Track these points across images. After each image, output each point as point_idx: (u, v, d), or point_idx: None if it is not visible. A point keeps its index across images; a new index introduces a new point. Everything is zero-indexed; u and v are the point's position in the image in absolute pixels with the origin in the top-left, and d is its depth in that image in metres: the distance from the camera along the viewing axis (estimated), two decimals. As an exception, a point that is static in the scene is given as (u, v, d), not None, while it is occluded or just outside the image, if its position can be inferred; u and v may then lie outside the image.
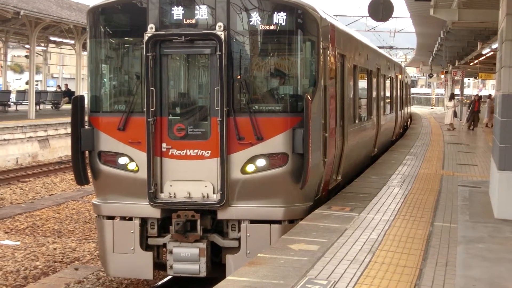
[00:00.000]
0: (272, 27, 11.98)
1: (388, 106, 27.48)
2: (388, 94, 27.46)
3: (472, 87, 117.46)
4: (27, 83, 58.59)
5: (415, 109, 74.36)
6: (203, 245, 12.00)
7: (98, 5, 12.61)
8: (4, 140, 32.33)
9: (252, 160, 11.94)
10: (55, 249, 17.06)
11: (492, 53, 37.58)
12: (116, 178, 12.38)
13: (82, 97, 12.72)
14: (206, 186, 12.01)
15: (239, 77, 12.08)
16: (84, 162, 12.56)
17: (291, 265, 9.23)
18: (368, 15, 20.89)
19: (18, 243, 17.67)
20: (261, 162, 11.92)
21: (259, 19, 11.96)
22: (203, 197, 12.01)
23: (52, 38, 51.78)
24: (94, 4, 12.72)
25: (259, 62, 12.48)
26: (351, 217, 12.55)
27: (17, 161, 32.81)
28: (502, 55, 13.53)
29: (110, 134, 12.30)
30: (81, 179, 12.56)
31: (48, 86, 67.06)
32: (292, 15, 12.02)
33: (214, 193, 11.99)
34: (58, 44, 55.92)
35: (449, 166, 21.82)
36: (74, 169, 12.52)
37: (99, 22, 12.67)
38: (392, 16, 20.81)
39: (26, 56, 51.36)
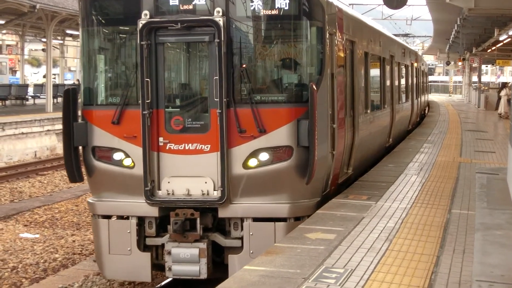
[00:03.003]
0: (274, 12, 11.07)
1: (403, 95, 26.89)
2: (403, 82, 26.83)
3: (490, 74, 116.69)
4: (44, 76, 58.98)
5: (433, 97, 74.18)
6: (203, 245, 11.20)
7: None
8: (22, 133, 32.67)
9: (254, 154, 11.11)
10: (74, 241, 17.20)
11: (509, 39, 37.40)
12: (111, 174, 11.59)
13: (74, 90, 11.93)
14: (206, 183, 11.19)
15: (244, 66, 11.30)
16: (77, 158, 11.86)
17: (308, 254, 9.23)
18: (383, 3, 20.80)
19: (37, 235, 17.82)
20: (264, 156, 11.10)
21: (261, 3, 10.99)
22: (203, 194, 11.20)
23: (68, 32, 51.99)
24: None
25: (261, 50, 11.63)
26: (368, 206, 12.54)
27: (35, 155, 33.17)
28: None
29: (104, 128, 11.50)
30: (75, 176, 11.92)
31: (65, 79, 67.45)
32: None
33: (214, 190, 11.19)
34: (74, 37, 56.14)
35: (467, 154, 21.75)
36: (67, 165, 11.84)
37: (91, 10, 11.74)
38: (408, 3, 20.69)
39: (43, 50, 51.67)
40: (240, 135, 10.97)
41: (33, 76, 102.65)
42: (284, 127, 10.98)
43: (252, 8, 11.02)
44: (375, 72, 19.05)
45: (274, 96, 11.40)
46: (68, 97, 11.66)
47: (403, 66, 26.81)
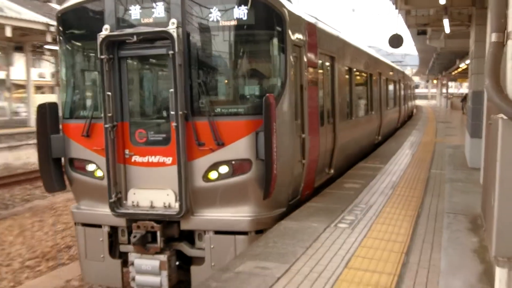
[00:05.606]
0: (233, 23, 6.83)
1: (391, 102, 21.59)
2: (391, 93, 21.77)
3: (454, 88, 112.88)
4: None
5: (418, 102, 72.34)
6: (164, 257, 7.19)
7: (60, 9, 7.69)
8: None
9: (214, 166, 6.95)
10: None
11: (465, 66, 36.26)
12: (86, 185, 7.61)
13: (45, 104, 7.61)
14: (168, 195, 7.15)
15: (208, 78, 7.21)
16: (55, 168, 7.71)
17: (344, 196, 9.26)
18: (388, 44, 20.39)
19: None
20: (224, 169, 6.94)
21: (218, 14, 6.84)
22: (165, 206, 7.15)
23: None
24: (59, 9, 7.74)
25: (218, 61, 7.23)
26: (379, 168, 12.45)
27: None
28: (471, 67, 13.24)
29: (77, 140, 7.54)
30: (50, 186, 7.67)
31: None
32: (253, 9, 6.80)
33: (176, 202, 7.10)
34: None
35: (440, 136, 21.26)
36: (43, 176, 7.65)
37: (61, 27, 7.67)
38: (403, 45, 20.24)
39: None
40: (199, 148, 6.94)
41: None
42: (242, 139, 6.82)
43: (208, 19, 6.90)
44: (361, 85, 14.23)
45: (232, 108, 7.01)
46: (40, 111, 7.61)
47: (392, 81, 21.88)
